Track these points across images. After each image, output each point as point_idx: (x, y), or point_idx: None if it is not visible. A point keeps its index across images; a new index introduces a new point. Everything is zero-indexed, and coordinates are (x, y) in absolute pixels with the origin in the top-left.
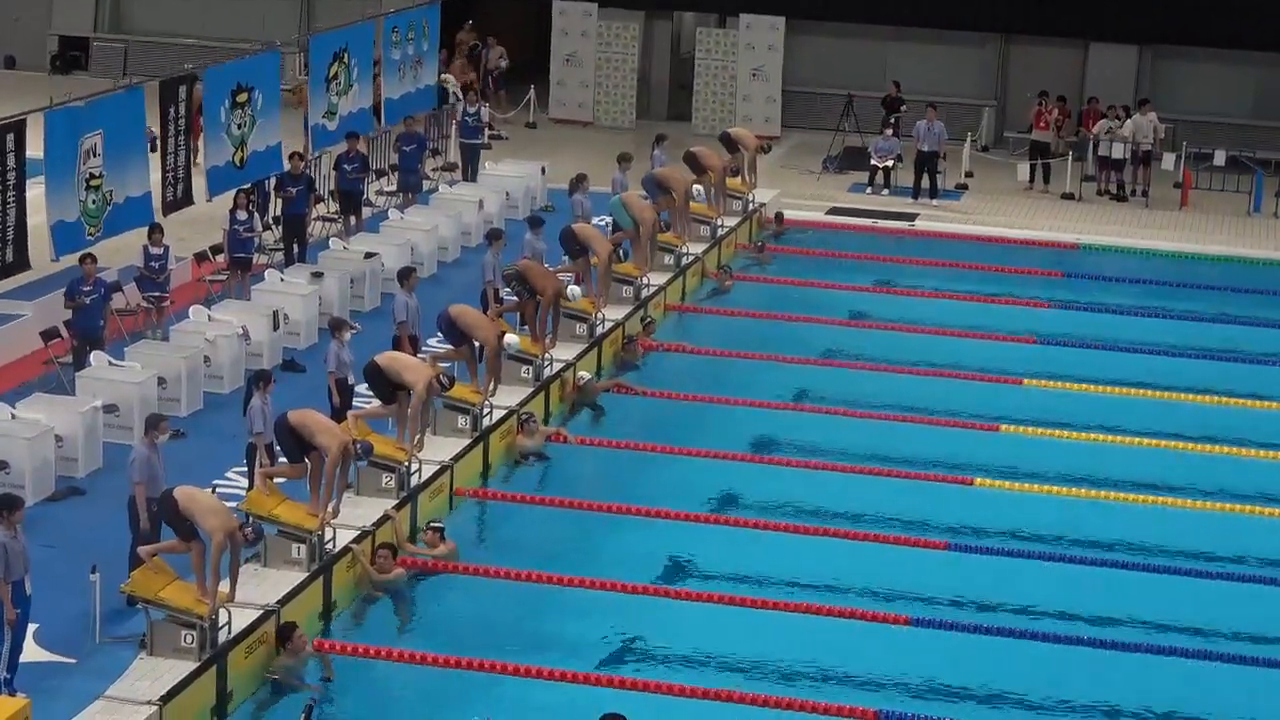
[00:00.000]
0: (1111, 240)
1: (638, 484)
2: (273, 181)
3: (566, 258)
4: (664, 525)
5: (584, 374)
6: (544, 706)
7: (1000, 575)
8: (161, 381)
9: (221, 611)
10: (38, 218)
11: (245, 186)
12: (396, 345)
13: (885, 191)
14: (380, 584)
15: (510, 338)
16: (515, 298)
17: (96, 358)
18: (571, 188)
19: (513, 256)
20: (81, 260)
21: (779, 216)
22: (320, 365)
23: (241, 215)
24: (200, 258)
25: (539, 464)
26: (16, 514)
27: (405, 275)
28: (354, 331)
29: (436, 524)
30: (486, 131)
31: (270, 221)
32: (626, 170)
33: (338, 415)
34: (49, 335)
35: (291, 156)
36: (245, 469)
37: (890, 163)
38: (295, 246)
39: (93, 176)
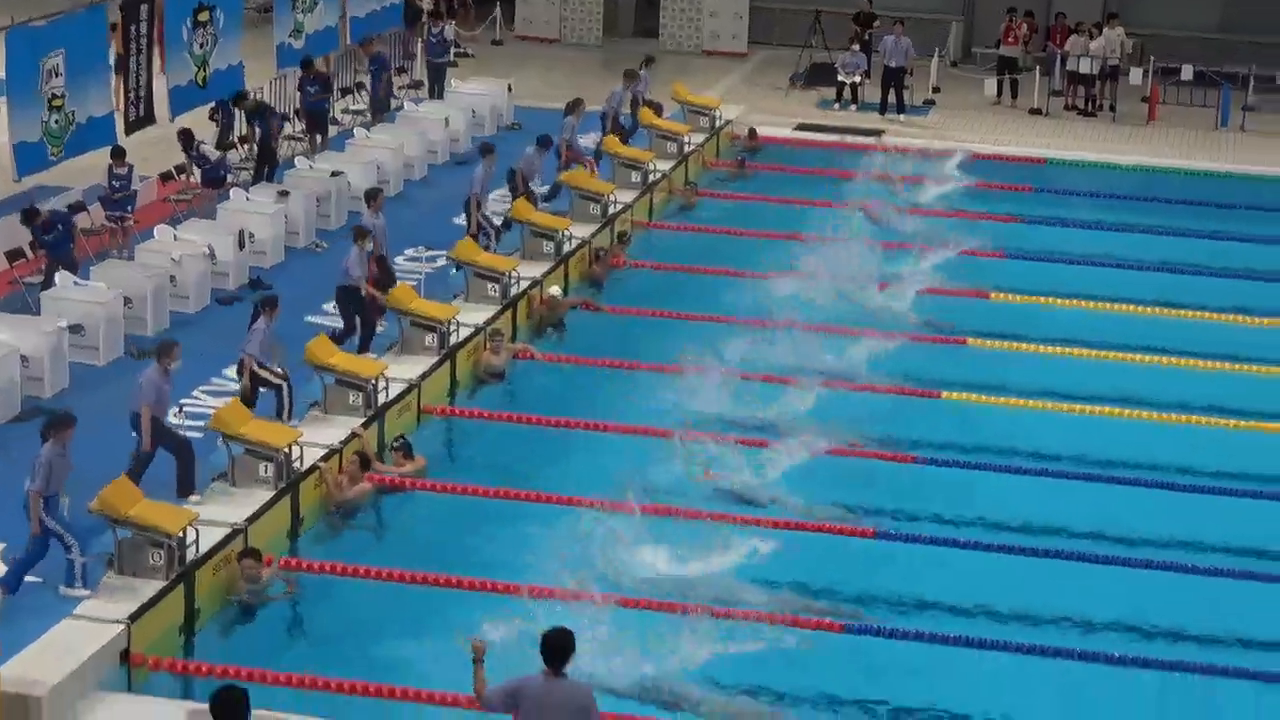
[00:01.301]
0: (1079, 155)
1: (605, 401)
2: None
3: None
4: (631, 441)
5: (553, 289)
6: (510, 622)
7: (962, 486)
8: (127, 301)
9: (189, 530)
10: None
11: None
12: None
13: (853, 107)
14: (346, 501)
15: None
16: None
17: (62, 278)
18: (567, 110)
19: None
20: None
21: (752, 132)
22: (286, 284)
23: (120, 171)
24: (165, 177)
25: (506, 381)
26: (67, 431)
27: (372, 196)
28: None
29: (399, 442)
30: (452, 50)
31: (236, 140)
32: (631, 86)
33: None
34: (13, 256)
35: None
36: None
37: (857, 78)
38: (318, 137)
39: (55, 97)
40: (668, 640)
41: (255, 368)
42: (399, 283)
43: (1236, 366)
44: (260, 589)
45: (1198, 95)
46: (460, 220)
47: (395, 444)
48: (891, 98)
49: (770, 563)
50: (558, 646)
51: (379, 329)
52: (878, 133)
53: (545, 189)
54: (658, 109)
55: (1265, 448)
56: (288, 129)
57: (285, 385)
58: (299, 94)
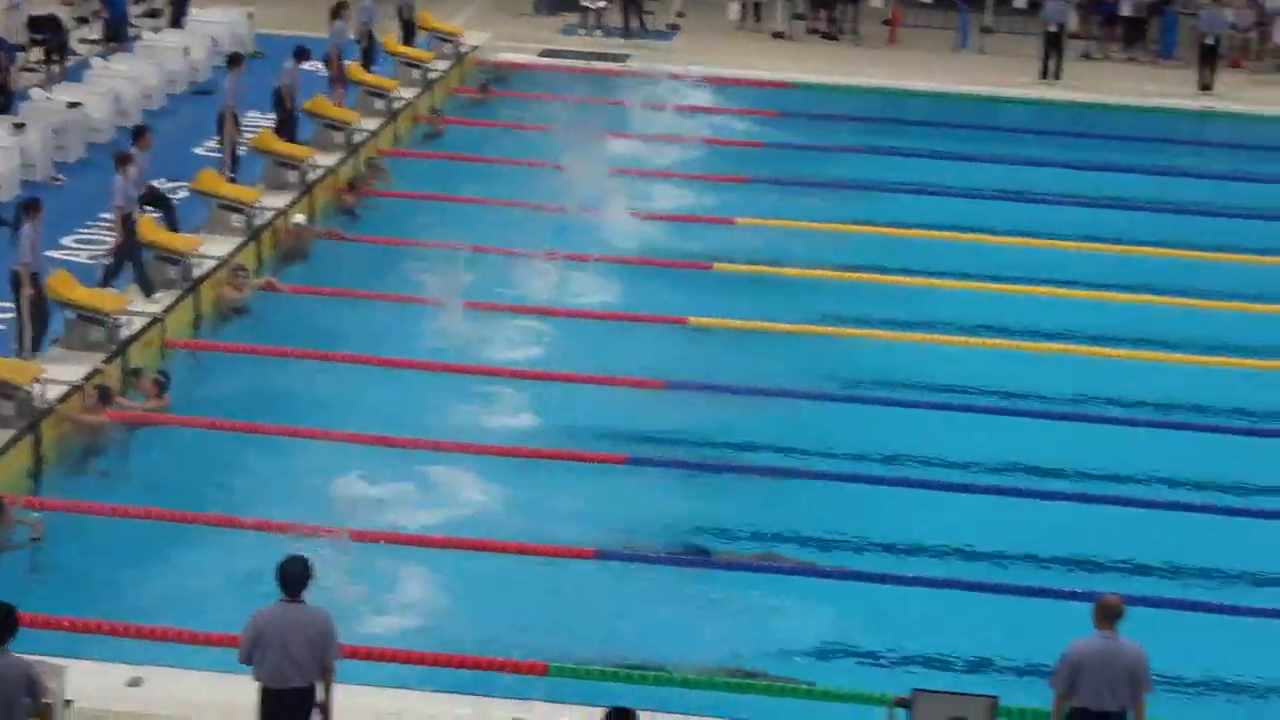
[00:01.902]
0: (823, 79)
1: (353, 331)
2: None
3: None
4: (382, 372)
5: (299, 217)
6: (260, 555)
7: (717, 409)
8: None
9: None
10: None
11: None
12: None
13: (598, 33)
14: (87, 431)
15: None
16: None
17: None
18: (333, 14)
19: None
20: None
21: (495, 65)
22: None
23: None
24: None
25: (251, 314)
26: (147, 138)
27: (139, 134)
28: None
29: (159, 375)
30: None
31: None
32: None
33: None
34: None
35: None
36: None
37: (602, 4)
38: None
39: None
40: (410, 572)
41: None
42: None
43: (972, 284)
44: (5, 534)
45: (937, 18)
46: (201, 150)
47: (154, 377)
48: (635, 22)
49: (523, 491)
50: (294, 573)
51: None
52: (623, 58)
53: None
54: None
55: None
56: (20, 59)
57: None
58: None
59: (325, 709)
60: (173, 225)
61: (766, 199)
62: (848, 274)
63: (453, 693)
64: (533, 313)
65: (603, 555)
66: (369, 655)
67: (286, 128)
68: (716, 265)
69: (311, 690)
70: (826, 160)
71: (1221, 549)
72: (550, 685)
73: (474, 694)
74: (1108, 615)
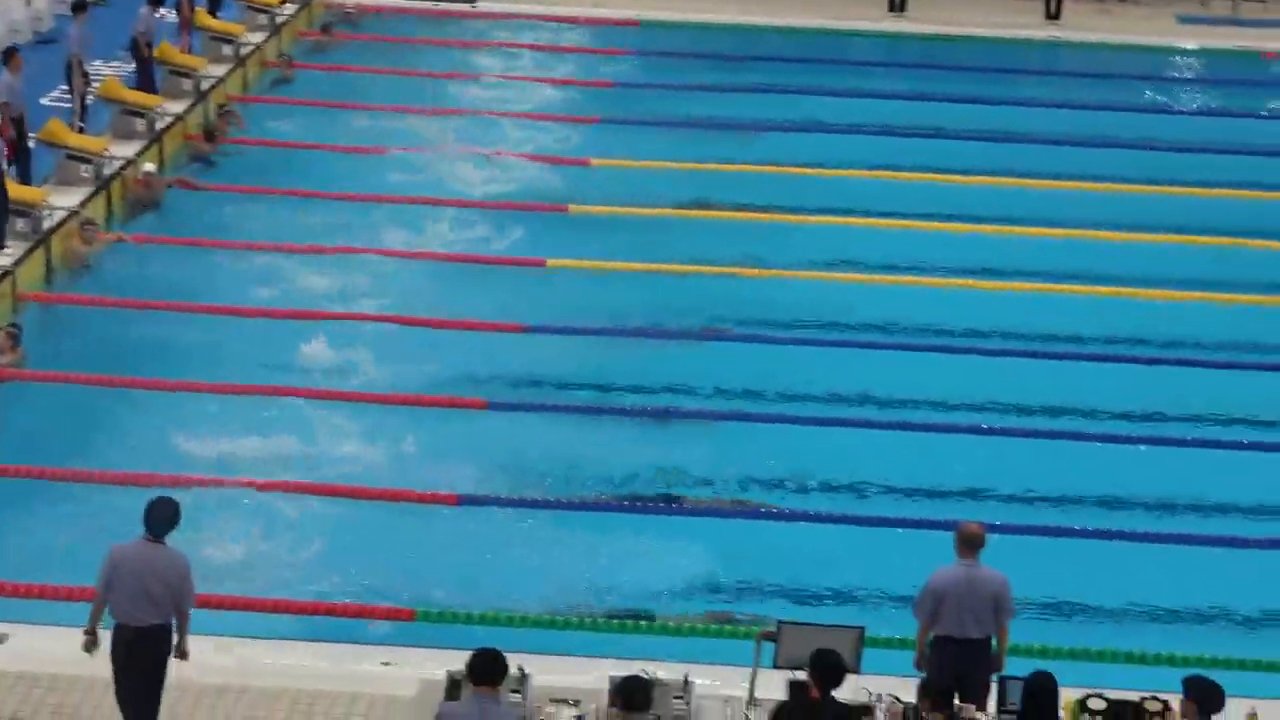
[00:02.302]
0: (673, 16)
1: (209, 281)
2: None
3: None
4: (239, 322)
5: (148, 166)
6: (118, 511)
7: (577, 351)
8: None
9: None
10: None
11: None
12: None
13: None
14: None
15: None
16: None
17: None
18: None
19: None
20: None
21: (343, 7)
22: None
23: None
24: None
25: (104, 267)
26: (16, 59)
27: (9, 56)
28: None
29: (11, 329)
30: None
31: None
32: None
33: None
34: None
35: None
36: None
37: None
38: None
39: None
40: (273, 521)
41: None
42: None
43: (846, 219)
44: None
45: None
46: (48, 100)
47: (6, 330)
48: None
49: (384, 438)
50: (160, 515)
51: None
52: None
53: None
54: None
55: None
56: None
57: None
58: None
59: (183, 651)
60: (25, 177)
61: (620, 139)
62: (705, 212)
63: (320, 641)
64: (389, 257)
65: (465, 501)
66: (234, 606)
67: (146, 75)
68: (572, 207)
69: (165, 630)
70: (676, 99)
71: (1070, 474)
72: (417, 631)
73: (341, 642)
74: (969, 544)
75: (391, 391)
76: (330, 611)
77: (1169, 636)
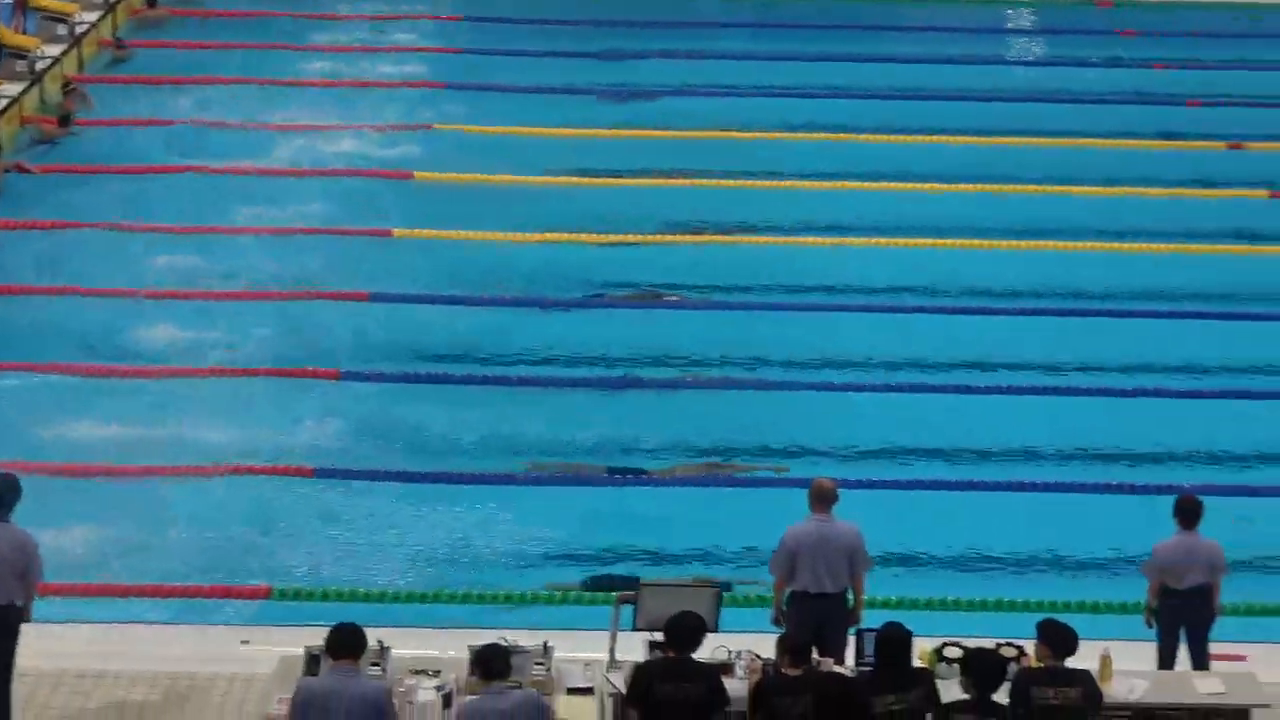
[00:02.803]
0: None
1: (52, 261)
2: None
3: None
4: (87, 301)
5: None
6: None
7: (424, 320)
8: None
9: None
10: None
11: None
12: None
13: None
14: None
15: None
16: None
17: None
18: None
19: None
20: None
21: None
22: None
23: None
24: None
25: None
26: None
27: None
28: None
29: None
30: None
31: None
32: None
33: None
34: None
35: None
36: None
37: None
38: None
39: None
40: (127, 502)
41: None
42: None
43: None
44: None
45: None
46: None
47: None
48: None
49: (236, 413)
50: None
51: None
52: None
53: None
54: None
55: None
56: None
57: None
58: None
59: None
60: None
61: (461, 107)
62: (550, 179)
63: (176, 623)
64: (235, 233)
65: (321, 473)
66: (89, 592)
67: None
68: (418, 174)
69: (13, 609)
70: (518, 65)
71: (919, 426)
72: (274, 609)
73: (198, 623)
74: (822, 499)
75: (241, 364)
76: (186, 593)
77: (1023, 583)
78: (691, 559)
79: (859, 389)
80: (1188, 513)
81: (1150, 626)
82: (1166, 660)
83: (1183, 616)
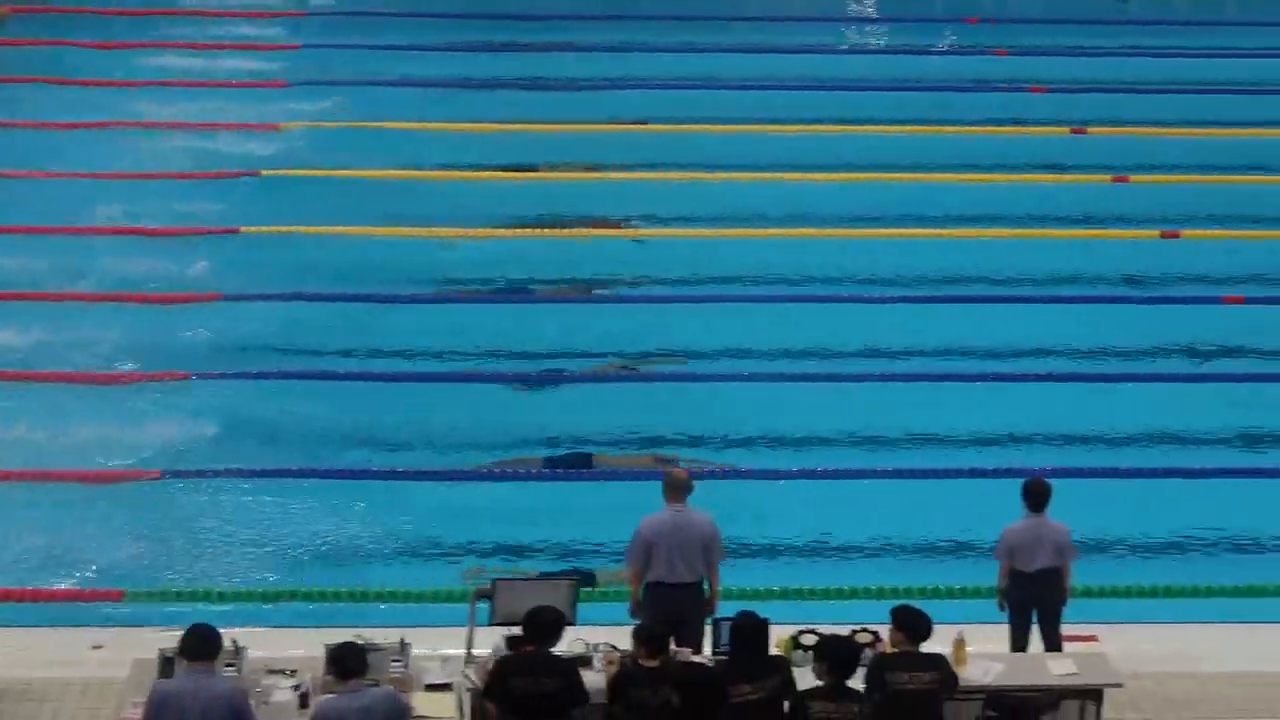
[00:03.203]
0: None
1: None
2: None
3: None
4: None
5: None
6: None
7: (265, 316)
8: None
9: None
10: None
11: None
12: None
13: None
14: None
15: None
16: None
17: None
18: None
19: None
20: None
21: None
22: None
23: None
24: None
25: None
26: None
27: None
28: None
29: None
30: None
31: None
32: None
33: None
34: None
35: None
36: None
37: None
38: None
39: None
40: None
41: None
42: None
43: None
44: None
45: None
46: None
47: None
48: None
49: (86, 416)
50: None
51: None
52: None
53: None
54: None
55: None
56: None
57: None
58: None
59: None
60: None
61: (307, 102)
62: (397, 172)
63: (27, 627)
64: (81, 234)
65: (169, 475)
66: None
67: None
68: (264, 172)
69: None
70: (361, 59)
71: (767, 413)
72: (127, 611)
73: (51, 626)
74: (676, 489)
75: (91, 368)
76: (36, 597)
77: (877, 570)
78: (551, 551)
79: (700, 379)
80: (1036, 496)
81: (1002, 609)
82: (1019, 643)
83: (1032, 599)
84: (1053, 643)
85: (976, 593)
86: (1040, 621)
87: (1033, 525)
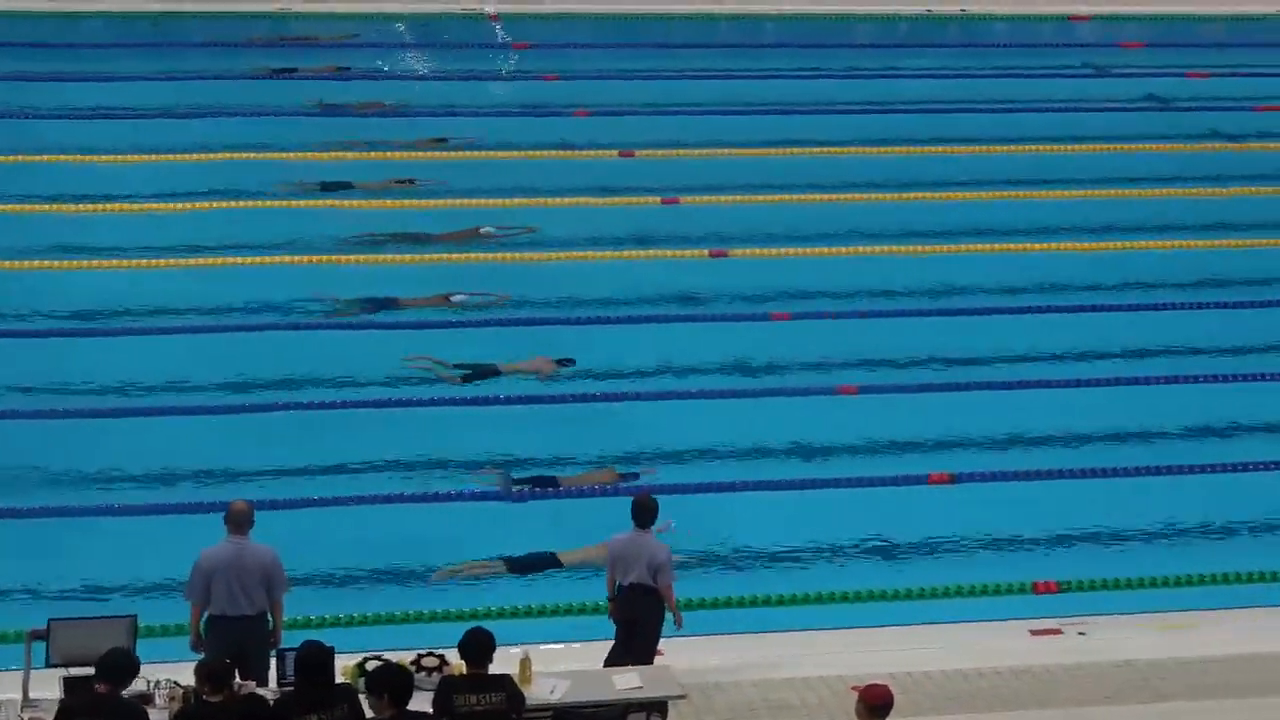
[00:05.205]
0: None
1: None
2: None
3: None
4: None
5: None
6: None
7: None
8: None
9: None
10: None
11: None
12: None
13: None
14: None
15: None
16: None
17: None
18: None
19: None
20: None
21: None
22: None
23: None
24: None
25: None
26: None
27: None
28: None
29: None
30: None
31: None
32: None
33: None
34: None
35: None
36: None
37: None
38: None
39: None
40: None
41: None
42: None
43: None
44: None
45: None
46: None
47: None
48: None
49: None
50: None
51: None
52: None
53: None
54: None
55: None
56: None
57: None
58: None
59: None
60: None
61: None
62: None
63: None
64: None
65: None
66: None
67: None
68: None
69: None
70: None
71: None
72: None
73: None
74: (238, 522)
75: None
76: None
77: (436, 596)
78: (116, 591)
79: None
80: (641, 511)
81: (612, 621)
82: (615, 655)
83: (626, 611)
84: (641, 657)
85: (582, 609)
86: (633, 635)
87: (634, 539)
